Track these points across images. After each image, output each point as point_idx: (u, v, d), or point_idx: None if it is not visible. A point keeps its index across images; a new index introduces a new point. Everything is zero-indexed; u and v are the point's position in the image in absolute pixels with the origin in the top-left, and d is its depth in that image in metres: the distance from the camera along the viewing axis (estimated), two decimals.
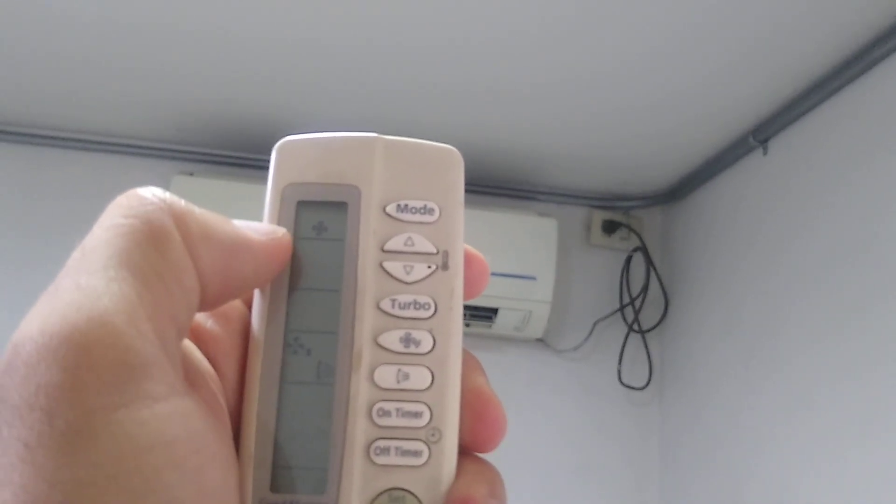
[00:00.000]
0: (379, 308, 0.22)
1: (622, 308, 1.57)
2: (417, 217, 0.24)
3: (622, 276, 1.58)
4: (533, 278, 1.43)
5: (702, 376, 1.41)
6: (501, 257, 1.43)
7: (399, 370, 0.22)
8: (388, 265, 0.23)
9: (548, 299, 1.44)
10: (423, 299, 0.23)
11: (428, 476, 0.21)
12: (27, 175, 1.49)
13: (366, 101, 1.28)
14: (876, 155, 1.00)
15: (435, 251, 0.23)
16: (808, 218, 1.13)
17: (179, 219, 0.18)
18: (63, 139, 1.48)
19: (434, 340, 0.23)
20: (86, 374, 0.15)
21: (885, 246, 0.97)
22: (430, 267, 0.23)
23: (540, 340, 1.55)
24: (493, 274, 1.42)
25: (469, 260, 0.24)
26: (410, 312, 0.23)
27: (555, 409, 1.54)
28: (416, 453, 0.21)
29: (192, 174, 1.43)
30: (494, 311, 1.46)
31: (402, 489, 0.21)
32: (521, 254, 1.44)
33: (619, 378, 1.55)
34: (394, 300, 0.22)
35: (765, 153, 1.26)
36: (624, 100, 1.23)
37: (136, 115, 1.42)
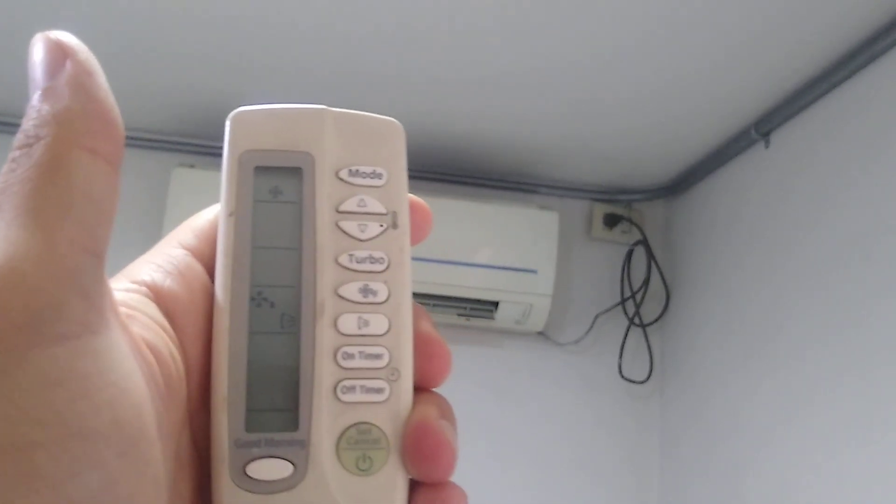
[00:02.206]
0: (337, 263, 0.24)
1: (623, 301, 1.57)
2: (368, 181, 0.25)
3: (623, 269, 1.58)
4: (534, 272, 1.43)
5: (703, 370, 1.41)
6: (502, 250, 1.43)
7: (360, 318, 0.24)
8: (343, 224, 0.25)
9: (549, 293, 1.44)
10: (377, 254, 0.25)
11: (390, 410, 0.24)
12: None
13: (366, 91, 1.28)
14: (878, 148, 1.00)
15: (385, 212, 0.25)
16: (810, 211, 1.13)
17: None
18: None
19: (389, 291, 0.25)
20: None
21: (887, 239, 0.96)
22: (381, 226, 0.25)
23: (541, 334, 1.56)
24: (494, 267, 1.42)
25: (413, 208, 0.26)
26: (367, 266, 0.25)
27: (555, 403, 1.54)
28: (379, 390, 0.24)
29: (192, 166, 1.43)
30: (495, 304, 1.46)
31: (368, 423, 0.23)
32: (522, 247, 1.44)
33: (620, 372, 1.55)
34: (351, 255, 0.25)
35: (767, 146, 1.26)
36: (625, 92, 1.23)
37: (136, 107, 1.41)
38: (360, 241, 0.25)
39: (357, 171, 0.25)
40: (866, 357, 0.98)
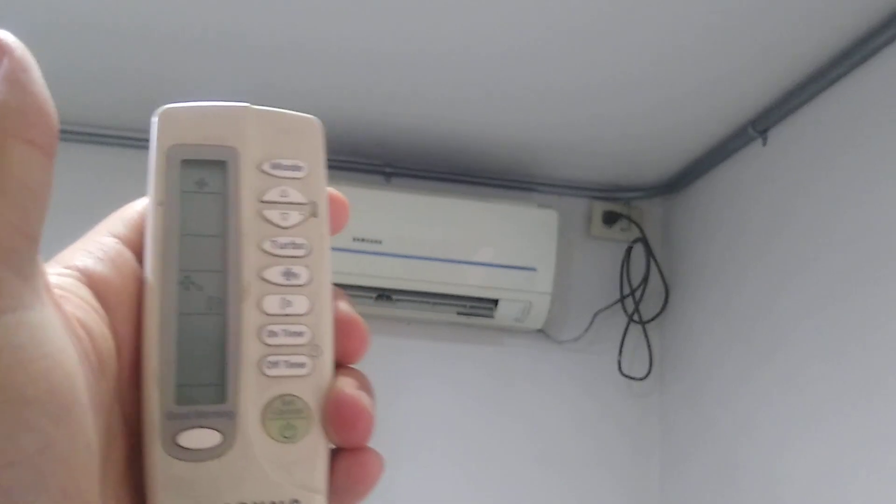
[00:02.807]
0: (261, 249, 0.26)
1: (622, 299, 1.57)
2: (289, 173, 0.27)
3: (622, 266, 1.58)
4: (533, 269, 1.44)
5: (702, 366, 1.42)
6: (502, 249, 1.44)
7: (283, 298, 0.26)
8: (266, 213, 0.26)
9: (548, 290, 1.44)
10: (299, 240, 0.26)
11: (312, 383, 0.25)
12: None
13: (370, 99, 1.28)
14: (874, 144, 1.00)
15: (306, 202, 0.27)
16: (807, 207, 1.14)
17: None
18: (68, 132, 1.49)
19: (310, 274, 0.26)
20: None
21: (882, 233, 0.97)
22: (302, 214, 0.27)
23: (540, 331, 1.56)
24: (494, 265, 1.43)
25: (331, 199, 0.28)
26: (289, 251, 0.26)
27: (555, 400, 1.55)
28: (301, 365, 0.25)
29: None
30: (495, 302, 1.46)
31: (292, 394, 0.25)
32: (522, 245, 1.45)
33: (620, 369, 1.56)
34: (274, 241, 0.26)
35: (764, 143, 1.26)
36: (623, 91, 1.23)
37: (138, 109, 1.42)
38: (283, 228, 0.26)
39: (279, 164, 0.27)
40: (863, 354, 0.98)
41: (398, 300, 1.46)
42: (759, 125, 1.24)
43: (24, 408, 0.18)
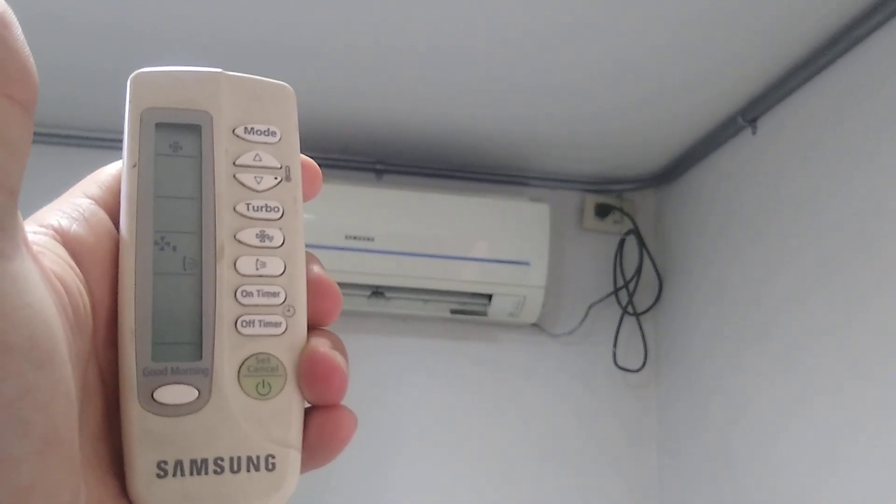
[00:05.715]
0: (235, 211, 0.26)
1: (616, 291, 1.58)
2: (262, 138, 0.27)
3: (616, 259, 1.59)
4: (526, 264, 1.44)
5: (697, 356, 1.42)
6: (494, 243, 1.44)
7: (257, 260, 0.26)
8: (240, 176, 0.27)
9: (542, 284, 1.45)
10: (272, 203, 0.27)
11: (286, 341, 0.26)
12: (30, 173, 1.48)
13: (360, 97, 1.28)
14: (862, 131, 1.01)
15: (279, 166, 0.27)
16: (799, 196, 1.14)
17: None
18: (64, 136, 1.48)
19: (284, 236, 0.27)
20: None
21: (876, 222, 0.97)
22: (276, 178, 0.27)
23: (535, 325, 1.56)
24: (487, 260, 1.43)
25: (303, 165, 0.28)
26: (263, 214, 0.27)
27: (551, 394, 1.55)
28: (276, 324, 0.26)
29: None
30: (489, 297, 1.46)
31: (267, 353, 0.26)
32: (515, 239, 1.45)
33: (615, 361, 1.56)
34: (248, 204, 0.26)
35: (754, 133, 1.27)
36: (613, 83, 1.23)
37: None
38: (257, 191, 0.27)
39: (252, 128, 0.27)
40: (853, 338, 0.99)
41: (392, 297, 1.46)
42: (749, 115, 1.25)
43: (5, 354, 0.19)
